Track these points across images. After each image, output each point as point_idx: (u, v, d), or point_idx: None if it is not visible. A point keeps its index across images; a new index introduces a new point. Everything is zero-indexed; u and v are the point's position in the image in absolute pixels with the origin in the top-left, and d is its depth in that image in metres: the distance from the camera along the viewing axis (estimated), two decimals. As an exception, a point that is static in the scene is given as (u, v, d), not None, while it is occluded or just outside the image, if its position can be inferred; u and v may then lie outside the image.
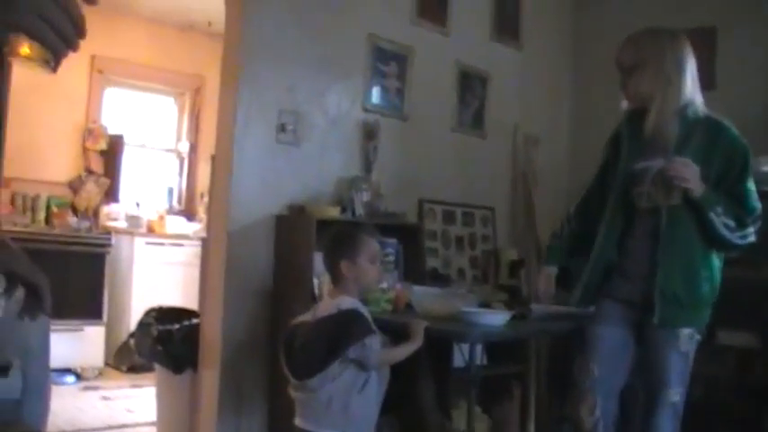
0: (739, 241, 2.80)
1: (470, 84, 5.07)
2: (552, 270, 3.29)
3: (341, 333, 2.69)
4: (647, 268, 2.89)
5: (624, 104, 3.04)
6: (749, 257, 4.40)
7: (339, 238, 2.91)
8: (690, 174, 2.71)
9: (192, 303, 5.10)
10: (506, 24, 5.39)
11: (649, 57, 2.86)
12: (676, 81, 2.85)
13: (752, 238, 2.81)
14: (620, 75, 2.97)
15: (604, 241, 3.02)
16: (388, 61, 4.62)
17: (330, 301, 2.83)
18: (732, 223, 2.77)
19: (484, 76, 5.08)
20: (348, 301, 2.77)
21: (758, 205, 2.82)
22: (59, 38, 1.10)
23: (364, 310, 2.81)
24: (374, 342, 2.70)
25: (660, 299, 2.82)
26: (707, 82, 5.05)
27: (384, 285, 3.42)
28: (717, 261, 2.90)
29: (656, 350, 2.86)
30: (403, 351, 2.89)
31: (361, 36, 4.49)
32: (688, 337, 2.84)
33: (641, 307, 2.89)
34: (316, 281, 3.62)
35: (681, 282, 2.82)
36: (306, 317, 2.87)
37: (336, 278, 2.84)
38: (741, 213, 2.79)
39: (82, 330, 5.99)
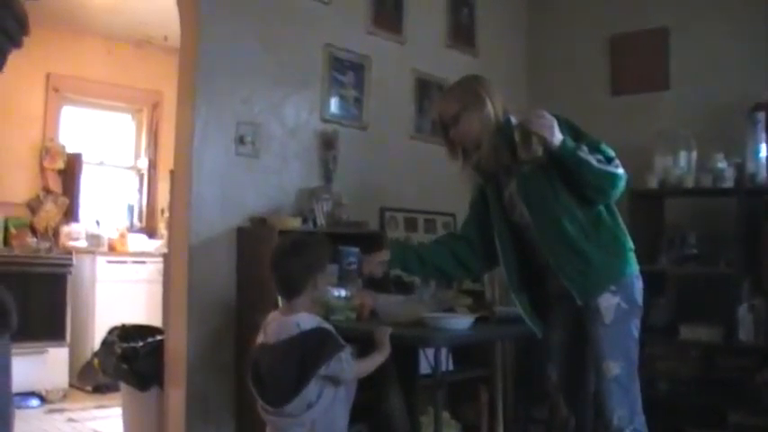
0: (616, 170, 2.77)
1: (428, 91, 5.10)
2: (385, 254, 3.23)
3: (311, 354, 2.62)
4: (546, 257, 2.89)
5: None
6: (705, 253, 4.50)
7: (315, 247, 2.82)
8: (546, 124, 2.73)
9: (156, 321, 5.06)
10: (461, 31, 5.44)
11: (470, 100, 2.96)
12: (494, 112, 2.95)
13: (622, 170, 2.79)
14: (445, 131, 3.05)
15: (503, 254, 3.02)
16: (346, 71, 4.63)
17: (286, 320, 2.71)
18: (602, 157, 2.76)
19: (441, 83, 5.09)
20: (308, 319, 2.70)
21: (613, 152, 2.82)
22: (4, 35, 1.09)
23: (328, 325, 2.76)
24: (348, 356, 2.68)
25: (567, 280, 2.81)
26: (661, 82, 5.20)
27: (347, 294, 3.42)
28: (603, 211, 2.87)
29: (587, 328, 2.82)
30: (372, 362, 2.85)
31: (318, 46, 4.50)
32: (613, 308, 2.77)
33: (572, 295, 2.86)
34: (279, 292, 3.61)
35: (568, 254, 2.80)
36: (260, 338, 2.79)
37: (299, 292, 2.72)
38: (602, 155, 2.79)
39: (45, 352, 5.90)
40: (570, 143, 2.75)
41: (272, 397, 2.70)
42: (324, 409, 2.66)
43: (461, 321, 3.15)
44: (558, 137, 2.73)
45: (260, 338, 2.80)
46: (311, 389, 2.63)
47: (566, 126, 2.81)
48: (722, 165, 4.44)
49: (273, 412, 2.70)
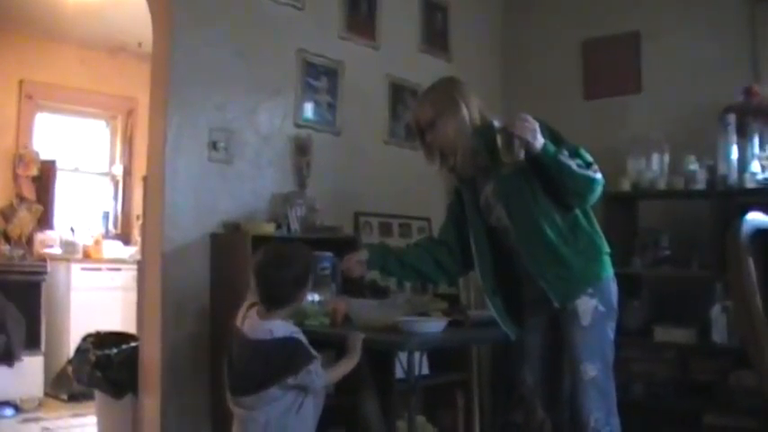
0: (595, 175, 2.77)
1: (402, 96, 5.11)
2: (363, 254, 3.18)
3: (279, 363, 2.66)
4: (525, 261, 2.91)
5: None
6: (678, 255, 4.52)
7: (303, 259, 2.86)
8: (529, 127, 2.71)
9: (131, 328, 5.05)
10: (435, 36, 5.45)
11: (445, 106, 2.97)
12: (469, 116, 2.96)
13: (600, 175, 2.79)
14: (421, 136, 3.04)
15: (478, 257, 3.03)
16: (319, 76, 4.63)
17: (260, 324, 2.74)
18: (581, 162, 2.77)
19: (415, 88, 5.09)
20: (281, 327, 2.72)
21: (591, 157, 2.83)
22: None
23: (300, 334, 2.77)
24: (317, 367, 2.70)
25: (546, 284, 2.83)
26: (633, 86, 5.23)
27: (321, 299, 3.42)
28: (580, 215, 2.88)
29: (564, 331, 2.83)
30: (343, 368, 2.88)
31: (291, 52, 4.49)
32: (591, 311, 2.79)
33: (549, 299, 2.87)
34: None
35: (548, 259, 2.82)
36: (238, 321, 2.84)
37: (288, 303, 2.78)
38: (581, 159, 2.79)
39: (20, 361, 5.84)
40: (552, 147, 2.75)
41: (234, 385, 2.77)
42: (280, 411, 2.69)
43: (433, 325, 3.16)
44: (540, 141, 2.73)
45: (238, 321, 2.84)
46: (272, 392, 2.66)
47: (546, 130, 2.81)
48: (694, 167, 4.47)
49: (232, 400, 2.77)
